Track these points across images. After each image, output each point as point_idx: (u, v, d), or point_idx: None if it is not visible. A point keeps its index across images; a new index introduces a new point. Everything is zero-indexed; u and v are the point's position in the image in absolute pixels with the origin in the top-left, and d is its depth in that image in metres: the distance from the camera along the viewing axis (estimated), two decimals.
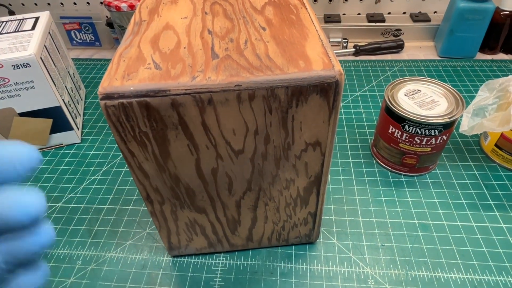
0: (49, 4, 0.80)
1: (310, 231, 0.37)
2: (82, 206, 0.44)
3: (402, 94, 0.43)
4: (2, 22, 0.51)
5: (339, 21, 0.72)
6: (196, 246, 0.37)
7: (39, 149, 0.52)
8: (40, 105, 0.47)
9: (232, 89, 0.22)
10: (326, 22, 0.72)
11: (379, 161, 0.47)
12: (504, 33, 0.64)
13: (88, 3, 0.78)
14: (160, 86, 0.22)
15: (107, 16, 0.75)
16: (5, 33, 0.48)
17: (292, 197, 0.32)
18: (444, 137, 0.41)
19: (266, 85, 0.23)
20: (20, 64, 0.43)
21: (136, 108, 0.23)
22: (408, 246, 0.38)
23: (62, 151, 0.52)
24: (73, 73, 0.58)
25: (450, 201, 0.42)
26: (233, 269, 0.37)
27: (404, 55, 0.69)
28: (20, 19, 0.51)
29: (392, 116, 0.41)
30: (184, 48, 0.25)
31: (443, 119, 0.39)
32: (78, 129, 0.53)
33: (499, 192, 0.43)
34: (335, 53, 0.69)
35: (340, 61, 0.68)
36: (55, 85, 0.47)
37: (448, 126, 0.39)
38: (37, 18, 0.51)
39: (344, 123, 0.54)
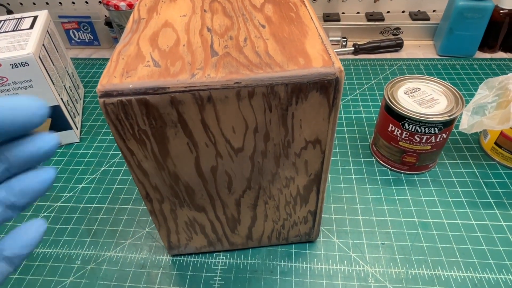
0: (47, 3, 0.79)
1: (310, 230, 0.37)
2: (81, 205, 0.44)
3: (401, 92, 0.43)
4: (0, 21, 0.51)
5: (338, 20, 0.72)
6: (195, 245, 0.37)
7: None
8: None
9: (232, 87, 0.22)
10: (325, 21, 0.72)
11: (378, 159, 0.47)
12: (503, 31, 0.64)
13: (86, 2, 0.78)
14: (159, 83, 0.22)
15: (105, 15, 0.75)
16: (3, 32, 0.48)
17: (292, 195, 0.32)
18: (444, 135, 0.41)
19: (265, 82, 0.22)
20: (19, 63, 0.43)
21: (135, 105, 0.23)
22: (408, 244, 0.38)
23: (60, 150, 0.52)
24: (72, 72, 0.58)
25: (450, 199, 0.42)
26: (233, 268, 0.37)
27: (403, 53, 0.69)
28: (19, 18, 0.51)
29: (392, 114, 0.41)
30: (183, 45, 0.25)
31: (443, 117, 0.39)
32: (77, 128, 0.53)
33: (499, 190, 0.42)
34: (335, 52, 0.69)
35: (339, 60, 0.68)
36: (53, 84, 0.47)
37: (448, 124, 0.39)
38: (35, 17, 0.51)
39: (344, 121, 0.54)
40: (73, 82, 0.57)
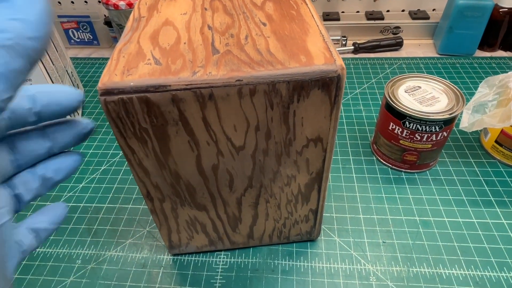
0: None
1: (311, 228, 0.37)
2: (81, 205, 0.44)
3: (402, 90, 0.43)
4: None
5: (338, 19, 0.72)
6: (196, 244, 0.37)
7: None
8: None
9: (233, 84, 0.22)
10: (325, 20, 0.72)
11: (379, 158, 0.47)
12: (503, 30, 0.64)
13: (86, 1, 0.77)
14: (161, 81, 0.22)
15: (105, 15, 0.75)
16: None
17: (293, 193, 0.32)
18: (445, 133, 0.41)
19: (267, 80, 0.22)
20: None
21: (136, 103, 0.22)
22: (409, 242, 0.38)
23: None
24: (71, 72, 0.58)
25: (451, 197, 0.42)
26: (234, 267, 0.37)
27: (403, 52, 0.69)
28: None
29: (393, 112, 0.41)
30: (184, 43, 0.25)
31: (443, 115, 0.39)
32: None
33: (500, 188, 0.42)
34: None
35: None
36: (53, 84, 0.47)
37: (448, 123, 0.39)
38: None
39: (344, 120, 0.54)
40: (72, 82, 0.57)
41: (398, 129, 0.42)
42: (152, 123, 0.24)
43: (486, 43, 0.67)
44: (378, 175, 0.45)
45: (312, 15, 0.28)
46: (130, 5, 0.62)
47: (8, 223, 0.18)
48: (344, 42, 0.70)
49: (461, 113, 0.44)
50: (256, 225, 0.35)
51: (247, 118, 0.24)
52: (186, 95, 0.22)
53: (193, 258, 0.38)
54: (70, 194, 0.45)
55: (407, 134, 0.41)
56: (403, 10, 0.74)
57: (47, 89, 0.19)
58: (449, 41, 0.65)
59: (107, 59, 0.72)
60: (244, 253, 0.38)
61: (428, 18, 0.71)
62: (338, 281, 0.35)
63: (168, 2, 0.31)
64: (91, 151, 0.51)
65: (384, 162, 0.46)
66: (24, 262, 0.38)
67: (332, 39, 0.72)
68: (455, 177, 0.44)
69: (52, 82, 0.47)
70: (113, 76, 0.22)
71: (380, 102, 0.57)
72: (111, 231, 0.41)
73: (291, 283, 0.35)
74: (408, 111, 0.39)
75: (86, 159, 0.50)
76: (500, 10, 0.62)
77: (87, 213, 0.43)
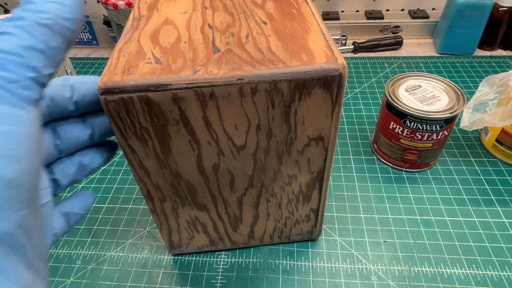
0: None
1: (312, 228, 0.36)
2: None
3: (402, 89, 0.43)
4: None
5: (338, 18, 0.72)
6: (197, 244, 0.37)
7: None
8: None
9: (234, 83, 0.22)
10: (324, 19, 0.72)
11: (380, 157, 0.47)
12: (503, 29, 0.64)
13: (85, 1, 0.77)
14: (161, 80, 0.22)
15: (104, 15, 0.75)
16: None
17: (295, 193, 0.32)
18: (445, 132, 0.41)
19: (268, 78, 0.22)
20: None
21: (136, 103, 0.22)
22: (410, 242, 0.38)
23: None
24: (71, 72, 0.58)
25: (451, 196, 0.42)
26: (235, 267, 0.37)
27: (403, 52, 0.69)
28: None
29: (393, 111, 0.41)
30: (185, 42, 0.25)
31: (444, 114, 0.39)
32: None
33: (501, 187, 0.42)
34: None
35: None
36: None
37: (449, 121, 0.39)
38: None
39: (344, 120, 0.54)
40: None
41: (399, 128, 0.41)
42: (153, 123, 0.24)
43: (486, 42, 0.67)
44: (379, 174, 0.45)
45: (313, 14, 0.28)
46: (130, 5, 0.62)
47: (49, 203, 0.19)
48: (343, 42, 0.70)
49: (462, 112, 0.44)
50: (257, 225, 0.35)
51: (248, 117, 0.24)
52: (187, 94, 0.22)
53: (193, 258, 0.38)
54: (70, 194, 0.45)
55: (408, 133, 0.41)
56: (402, 10, 0.74)
57: (85, 80, 0.21)
58: (449, 40, 0.65)
59: (106, 59, 0.72)
60: (245, 253, 0.38)
61: (427, 17, 0.71)
62: (339, 281, 0.35)
63: (168, 1, 0.31)
64: None
65: (384, 161, 0.46)
66: None
67: (332, 39, 0.72)
68: (455, 176, 0.44)
69: None
70: (113, 75, 0.22)
71: (380, 102, 0.57)
72: (111, 231, 0.41)
73: (292, 283, 0.35)
74: (409, 110, 0.39)
75: None
76: (500, 9, 0.62)
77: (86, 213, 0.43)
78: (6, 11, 0.73)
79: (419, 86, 0.43)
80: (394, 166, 0.46)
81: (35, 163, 0.15)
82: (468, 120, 0.43)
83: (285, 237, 0.37)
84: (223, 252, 0.38)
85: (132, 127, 0.24)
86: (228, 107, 0.23)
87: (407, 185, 0.44)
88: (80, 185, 0.46)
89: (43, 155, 0.19)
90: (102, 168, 0.48)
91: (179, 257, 0.38)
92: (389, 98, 0.41)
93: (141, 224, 0.41)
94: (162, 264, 0.37)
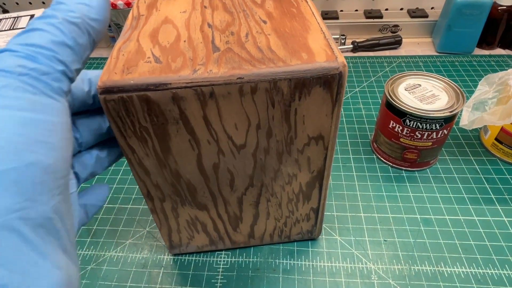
0: (43, 2, 0.79)
1: (312, 227, 0.36)
2: None
3: (402, 88, 0.43)
4: None
5: (337, 18, 0.72)
6: (197, 244, 0.36)
7: None
8: None
9: (234, 82, 0.22)
10: (323, 19, 0.72)
11: (379, 156, 0.47)
12: (502, 28, 0.64)
13: None
14: (161, 79, 0.22)
15: None
16: (0, 31, 0.47)
17: (295, 192, 0.32)
18: (445, 131, 0.41)
19: (268, 77, 0.22)
20: None
21: (136, 102, 0.22)
22: (410, 241, 0.38)
23: None
24: None
25: (451, 195, 0.42)
26: (235, 267, 0.37)
27: (402, 51, 0.69)
28: (15, 17, 0.51)
29: (393, 110, 0.41)
30: (184, 41, 0.25)
31: (444, 113, 0.39)
32: None
33: (500, 186, 0.42)
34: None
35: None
36: None
37: (449, 120, 0.39)
38: (32, 16, 0.51)
39: (344, 119, 0.54)
40: None
41: (399, 127, 0.41)
42: (153, 122, 0.24)
43: (485, 41, 0.67)
44: (379, 174, 0.45)
45: (313, 13, 0.28)
46: (128, 5, 0.61)
47: (74, 193, 0.20)
48: (343, 41, 0.70)
49: (461, 111, 0.44)
50: (257, 224, 0.35)
51: (248, 116, 0.24)
52: (187, 93, 0.22)
53: (193, 258, 0.38)
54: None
55: (408, 132, 0.41)
56: (401, 9, 0.74)
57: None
58: (448, 39, 0.65)
59: (105, 58, 0.72)
60: (245, 253, 0.38)
61: (426, 16, 0.71)
62: (339, 280, 0.35)
63: (167, 0, 0.31)
64: None
65: (384, 160, 0.46)
66: None
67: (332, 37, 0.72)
68: (455, 175, 0.44)
69: None
70: (112, 74, 0.22)
71: (380, 101, 0.57)
72: (111, 231, 0.41)
73: (293, 282, 0.35)
74: (409, 109, 0.39)
75: None
76: (499, 8, 0.62)
77: None
78: (5, 11, 0.72)
79: (418, 85, 0.43)
80: (394, 165, 0.46)
81: (68, 152, 0.16)
82: (467, 119, 0.43)
83: (285, 236, 0.37)
84: (223, 252, 0.38)
85: (132, 127, 0.24)
86: (228, 106, 0.23)
87: (407, 184, 0.44)
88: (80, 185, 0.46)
89: (72, 145, 0.20)
90: None
91: (179, 257, 0.38)
92: (389, 97, 0.41)
93: (140, 224, 0.41)
94: (162, 264, 0.37)
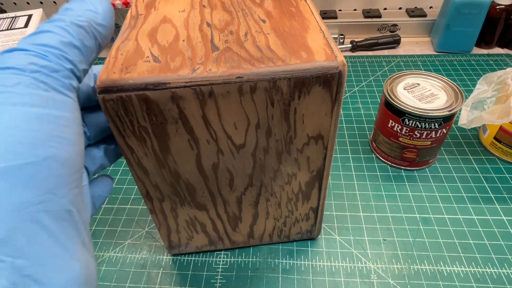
0: (41, 3, 0.78)
1: (311, 227, 0.36)
2: None
3: (401, 88, 0.43)
4: None
5: (335, 17, 0.72)
6: (196, 244, 0.36)
7: None
8: None
9: (234, 81, 0.22)
10: (322, 18, 0.72)
11: (378, 156, 0.47)
12: (500, 27, 0.64)
13: None
14: (160, 79, 0.22)
15: None
16: None
17: (294, 192, 0.32)
18: (444, 130, 0.41)
19: (268, 76, 0.22)
20: None
21: (135, 101, 0.22)
22: (410, 240, 0.38)
23: None
24: None
25: (450, 194, 0.42)
26: (234, 267, 0.36)
27: (400, 50, 0.69)
28: (13, 17, 0.50)
29: (392, 110, 0.41)
30: (183, 41, 0.25)
31: (443, 112, 0.39)
32: None
33: (499, 185, 0.43)
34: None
35: None
36: None
37: (448, 119, 0.39)
38: (29, 16, 0.51)
39: (343, 118, 0.54)
40: None
41: (398, 126, 0.41)
42: (151, 122, 0.24)
43: (483, 40, 0.67)
44: (378, 173, 0.45)
45: (312, 12, 0.28)
46: (127, 4, 0.61)
47: (86, 186, 0.20)
48: (341, 40, 0.70)
49: (460, 110, 0.44)
50: (256, 224, 0.35)
51: (247, 115, 0.24)
52: (186, 93, 0.22)
53: (193, 258, 0.38)
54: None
55: (407, 131, 0.41)
56: (400, 8, 0.74)
57: None
58: (446, 38, 0.65)
59: (103, 58, 0.72)
60: (244, 253, 0.38)
61: (425, 15, 0.71)
62: (339, 280, 0.35)
63: None
64: None
65: (383, 159, 0.46)
66: None
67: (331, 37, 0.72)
68: (454, 174, 0.44)
69: None
70: (111, 73, 0.22)
71: (379, 100, 0.57)
72: (110, 232, 0.40)
73: (292, 282, 0.35)
74: (408, 108, 0.39)
75: None
76: (497, 7, 0.62)
77: None
78: (2, 11, 0.72)
79: (417, 84, 0.43)
80: (393, 164, 0.46)
81: (81, 146, 0.17)
82: (466, 118, 0.43)
83: (284, 236, 0.37)
84: (222, 252, 0.38)
85: (131, 126, 0.24)
86: (227, 106, 0.23)
87: (406, 183, 0.44)
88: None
89: (84, 139, 0.20)
90: None
91: (178, 257, 0.38)
92: (388, 96, 0.41)
93: (139, 224, 0.41)
94: (161, 264, 0.37)
